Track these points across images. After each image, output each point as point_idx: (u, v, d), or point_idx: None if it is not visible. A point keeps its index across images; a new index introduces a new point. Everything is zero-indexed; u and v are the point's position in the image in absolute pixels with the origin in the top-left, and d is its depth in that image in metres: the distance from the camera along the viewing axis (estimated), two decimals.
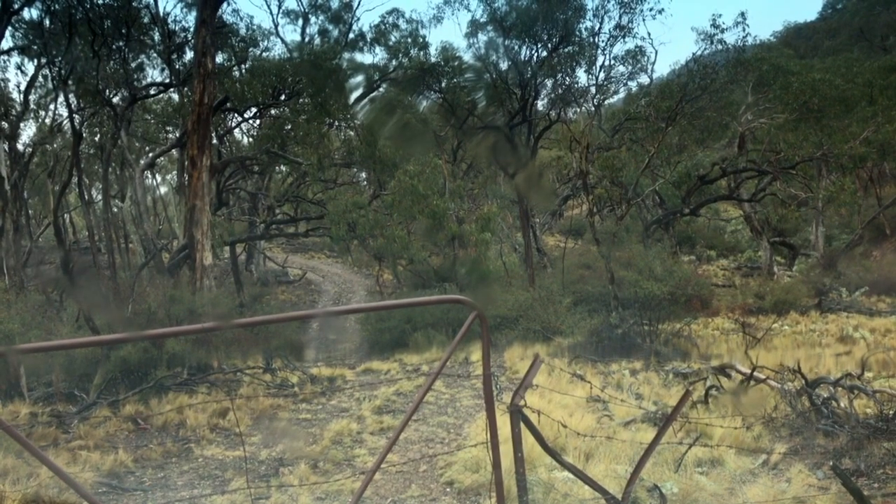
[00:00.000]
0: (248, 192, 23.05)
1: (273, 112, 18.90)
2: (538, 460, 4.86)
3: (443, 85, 20.88)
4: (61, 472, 2.82)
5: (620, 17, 19.63)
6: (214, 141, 18.22)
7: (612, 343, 11.42)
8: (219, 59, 17.63)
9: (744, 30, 37.02)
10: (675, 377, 9.08)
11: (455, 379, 10.93)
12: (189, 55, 18.91)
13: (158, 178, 36.38)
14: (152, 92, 20.29)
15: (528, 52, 19.90)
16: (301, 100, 17.68)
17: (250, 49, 21.06)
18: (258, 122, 20.96)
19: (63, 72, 16.57)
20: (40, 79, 21.24)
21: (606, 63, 22.98)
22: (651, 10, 27.47)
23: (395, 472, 5.55)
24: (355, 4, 23.21)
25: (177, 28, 19.30)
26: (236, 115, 19.81)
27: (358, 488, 3.31)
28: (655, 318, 12.48)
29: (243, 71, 19.29)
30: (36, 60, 19.62)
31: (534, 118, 21.53)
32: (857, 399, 5.99)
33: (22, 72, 40.59)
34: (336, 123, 18.37)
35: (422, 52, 21.47)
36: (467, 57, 25.91)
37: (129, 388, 9.00)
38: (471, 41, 23.11)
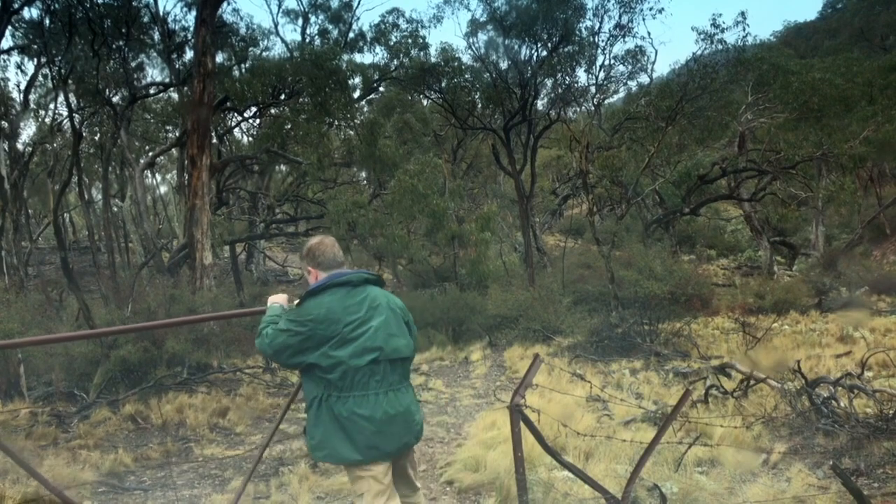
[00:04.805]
0: (248, 192, 23.06)
1: (273, 111, 18.88)
2: (538, 460, 4.86)
3: (443, 85, 20.88)
4: (45, 481, 2.81)
5: (620, 17, 19.55)
6: (214, 140, 18.23)
7: (612, 343, 11.41)
8: (219, 58, 17.64)
9: (744, 29, 37.01)
10: (675, 377, 9.07)
11: (455, 379, 10.93)
12: (189, 55, 18.93)
13: (158, 177, 36.44)
14: (152, 91, 20.30)
15: (527, 52, 19.89)
16: (301, 99, 17.66)
17: (250, 48, 21.08)
18: (258, 121, 20.97)
19: (63, 71, 16.56)
20: (40, 78, 21.27)
21: (606, 62, 23.01)
22: (651, 9, 27.62)
23: None
24: (355, 4, 23.24)
25: (177, 27, 19.32)
26: (236, 114, 19.82)
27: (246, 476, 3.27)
28: (655, 317, 12.48)
29: (243, 70, 19.28)
30: (36, 60, 19.64)
31: (534, 118, 21.51)
32: (857, 399, 5.99)
33: (22, 71, 40.64)
34: (336, 123, 18.35)
35: (422, 53, 21.50)
36: (466, 57, 25.96)
37: (129, 388, 9.01)
38: (470, 41, 23.13)
